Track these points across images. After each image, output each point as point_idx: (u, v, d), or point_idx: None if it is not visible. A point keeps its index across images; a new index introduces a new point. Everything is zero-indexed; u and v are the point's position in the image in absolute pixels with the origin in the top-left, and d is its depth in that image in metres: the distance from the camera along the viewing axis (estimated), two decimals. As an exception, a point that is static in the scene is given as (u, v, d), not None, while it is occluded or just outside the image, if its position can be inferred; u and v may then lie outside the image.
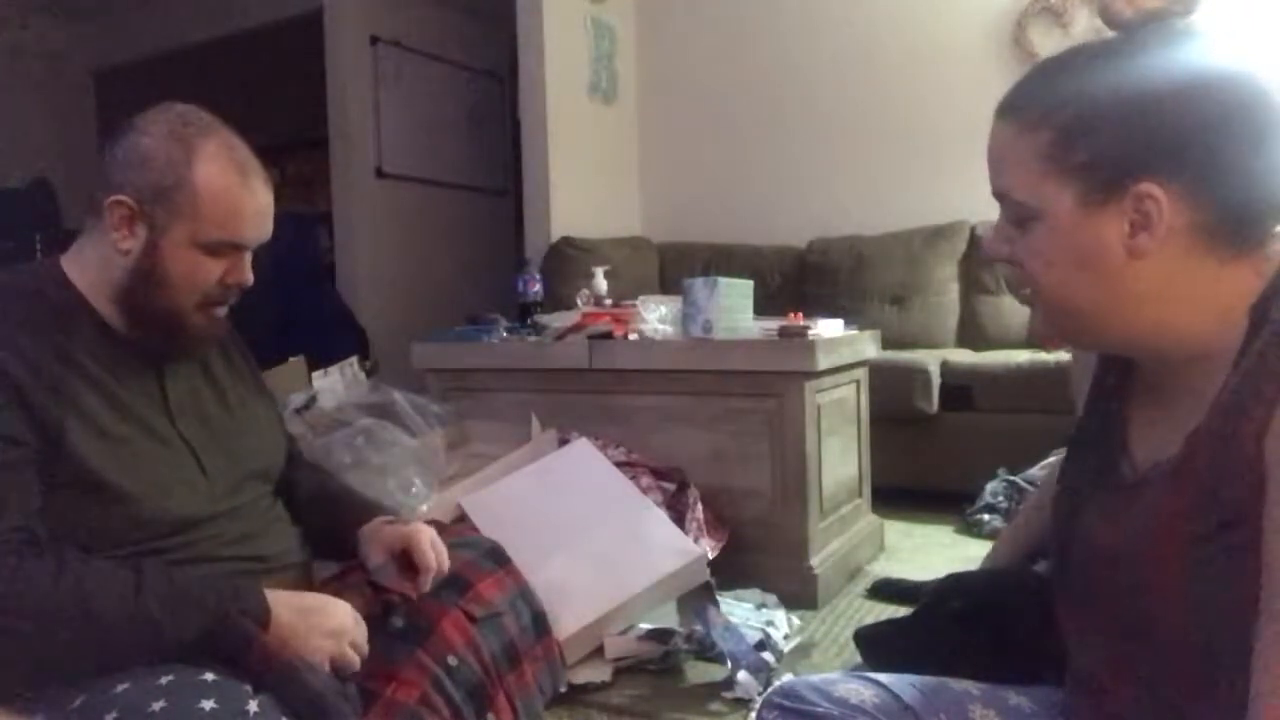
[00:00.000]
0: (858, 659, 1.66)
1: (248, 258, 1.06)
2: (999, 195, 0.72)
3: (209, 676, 0.89)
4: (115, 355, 1.03)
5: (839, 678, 0.84)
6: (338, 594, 1.08)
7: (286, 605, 0.98)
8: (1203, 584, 0.59)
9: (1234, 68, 0.65)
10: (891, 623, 1.56)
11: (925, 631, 1.18)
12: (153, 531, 0.99)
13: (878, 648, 1.43)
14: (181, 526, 1.02)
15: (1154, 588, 0.66)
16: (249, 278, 1.06)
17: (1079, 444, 0.82)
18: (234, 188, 1.02)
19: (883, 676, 0.84)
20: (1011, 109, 0.71)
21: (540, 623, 1.24)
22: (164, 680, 0.87)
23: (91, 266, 1.04)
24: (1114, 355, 0.79)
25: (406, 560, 1.16)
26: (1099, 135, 0.66)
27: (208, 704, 0.85)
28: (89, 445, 0.95)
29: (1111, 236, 0.66)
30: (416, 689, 1.05)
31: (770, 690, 0.85)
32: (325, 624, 0.99)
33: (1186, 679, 0.66)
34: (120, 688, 0.86)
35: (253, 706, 0.86)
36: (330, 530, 1.24)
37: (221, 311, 1.08)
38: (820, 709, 0.78)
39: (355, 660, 1.01)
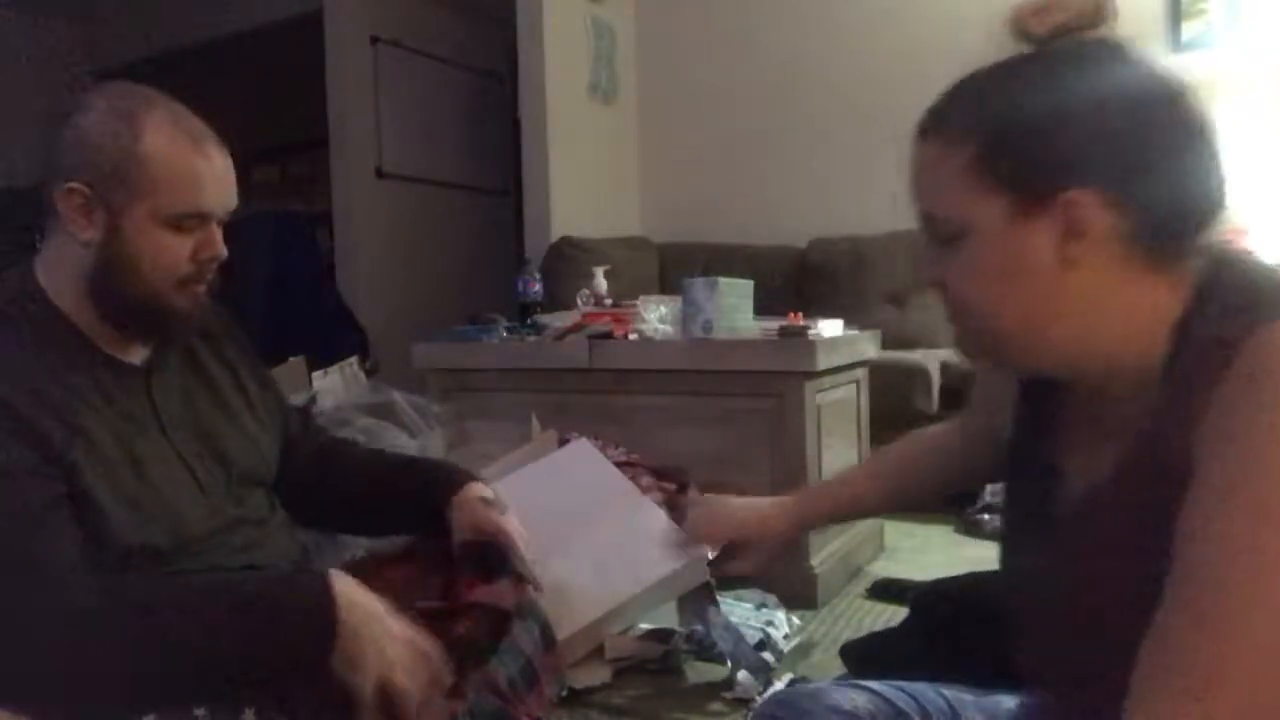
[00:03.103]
0: (857, 659, 1.66)
1: (216, 229, 1.01)
2: (924, 217, 0.71)
3: None
4: (101, 372, 0.99)
5: (833, 686, 0.84)
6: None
7: (361, 610, 0.90)
8: (1136, 621, 0.58)
9: (1156, 77, 0.66)
10: (877, 635, 1.57)
11: (910, 642, 1.18)
12: (153, 556, 0.95)
13: (864, 661, 1.44)
14: (182, 549, 0.98)
15: (1109, 616, 0.66)
16: (222, 250, 1.01)
17: (1015, 475, 0.81)
18: (187, 154, 0.96)
19: (876, 684, 0.84)
20: (932, 127, 0.72)
21: (547, 633, 1.23)
22: None
23: (59, 269, 0.99)
24: (1033, 380, 0.79)
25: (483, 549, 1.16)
26: (1025, 145, 0.66)
27: (199, 712, 0.85)
28: (96, 474, 0.91)
29: (1042, 247, 0.65)
30: None
31: (763, 700, 0.86)
32: (396, 645, 0.91)
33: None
34: None
35: (249, 716, 0.86)
36: (403, 498, 1.23)
37: (201, 289, 1.02)
38: (814, 717, 0.79)
39: (405, 699, 0.91)
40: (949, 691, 0.85)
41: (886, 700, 0.81)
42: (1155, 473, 0.61)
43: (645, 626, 1.75)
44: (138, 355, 1.04)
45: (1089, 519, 0.68)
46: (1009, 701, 0.85)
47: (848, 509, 1.13)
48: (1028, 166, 0.65)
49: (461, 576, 1.19)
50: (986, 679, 0.87)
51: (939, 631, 1.24)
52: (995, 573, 1.23)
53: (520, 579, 1.18)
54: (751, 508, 1.13)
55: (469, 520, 1.20)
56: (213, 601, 0.88)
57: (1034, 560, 0.74)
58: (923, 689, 0.84)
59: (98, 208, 0.95)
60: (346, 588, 0.90)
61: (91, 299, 0.98)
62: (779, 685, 1.57)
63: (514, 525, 1.21)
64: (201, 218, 0.99)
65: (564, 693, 1.59)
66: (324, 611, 0.87)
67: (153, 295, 0.98)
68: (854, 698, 0.81)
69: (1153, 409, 0.64)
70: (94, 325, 1.00)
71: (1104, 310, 0.66)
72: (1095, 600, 0.66)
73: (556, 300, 3.11)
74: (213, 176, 0.99)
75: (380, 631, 0.89)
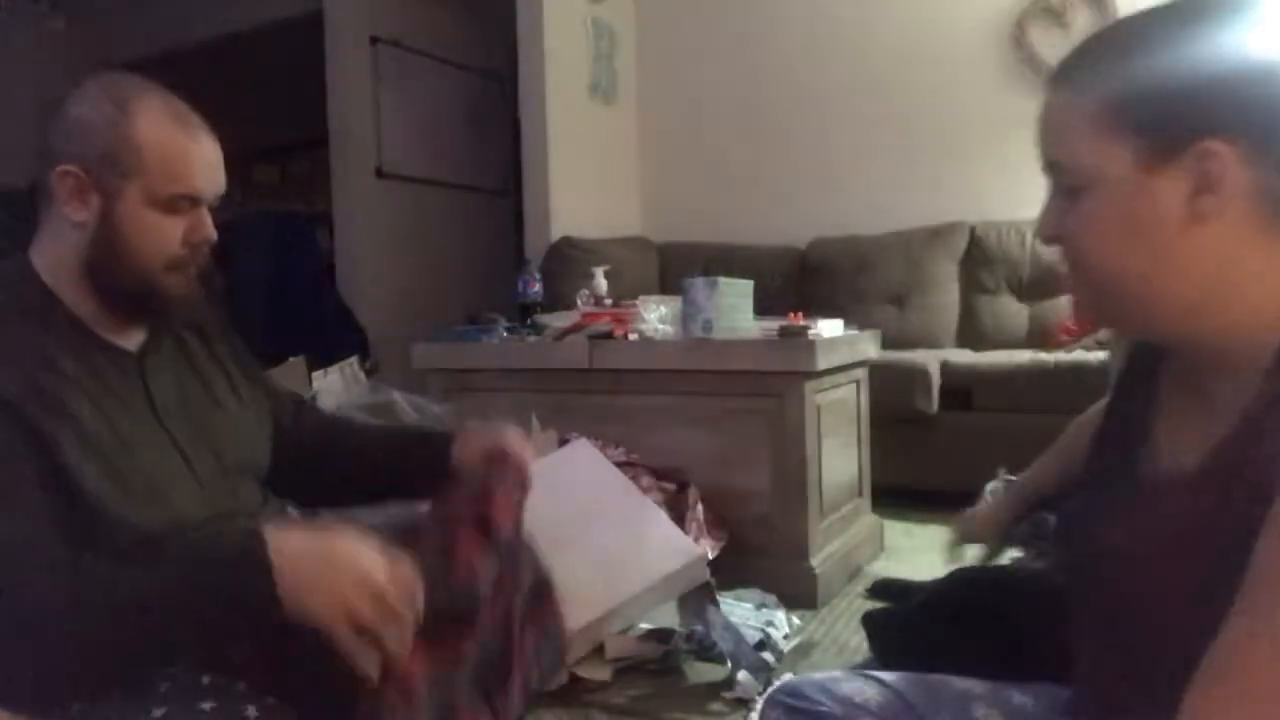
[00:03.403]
0: (858, 659, 1.67)
1: (206, 213, 1.04)
2: (1050, 167, 0.69)
3: (205, 680, 0.89)
4: (95, 355, 1.00)
5: (843, 676, 0.83)
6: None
7: (296, 553, 0.85)
8: (1215, 598, 0.57)
9: None
10: (896, 613, 1.57)
11: (926, 624, 1.19)
12: (146, 544, 0.94)
13: (881, 634, 1.45)
14: (177, 536, 0.98)
15: (1164, 596, 0.65)
16: (212, 233, 1.04)
17: (1103, 440, 0.79)
18: (178, 137, 1.00)
19: (886, 675, 0.83)
20: (1066, 75, 0.68)
21: (541, 582, 1.19)
22: (163, 688, 0.87)
23: (53, 253, 1.01)
24: (1143, 352, 0.77)
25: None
26: (1161, 93, 0.63)
27: (205, 706, 0.85)
28: (80, 458, 0.92)
29: (1171, 200, 0.63)
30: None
31: (774, 688, 0.85)
32: (343, 575, 0.85)
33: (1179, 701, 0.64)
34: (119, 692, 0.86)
35: (251, 712, 0.86)
36: (408, 463, 1.25)
37: (193, 273, 1.05)
38: (824, 707, 0.78)
39: (387, 619, 0.85)
40: (960, 684, 0.84)
41: (897, 693, 0.81)
42: (1248, 465, 0.59)
43: (645, 626, 1.75)
44: (133, 341, 1.06)
45: (1170, 502, 0.66)
46: (1019, 696, 0.85)
47: (1043, 491, 1.15)
48: (1163, 113, 0.63)
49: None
50: (995, 669, 0.87)
51: (952, 618, 1.24)
52: (1013, 571, 1.23)
53: (506, 494, 1.15)
54: (998, 507, 1.21)
55: (473, 446, 1.22)
56: (147, 562, 0.88)
57: (1104, 535, 0.72)
58: (934, 681, 0.84)
59: (91, 190, 0.98)
60: (280, 533, 0.87)
61: (86, 281, 1.00)
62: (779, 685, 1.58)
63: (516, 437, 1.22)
64: (192, 200, 1.01)
65: (563, 676, 1.59)
66: (253, 556, 0.84)
67: (145, 277, 1.00)
68: (864, 689, 0.80)
69: (1258, 397, 0.61)
70: (89, 309, 1.01)
71: (1227, 275, 0.64)
72: (1160, 584, 0.65)
73: (556, 300, 3.11)
74: (202, 159, 1.02)
75: (327, 567, 0.85)
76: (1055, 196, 0.69)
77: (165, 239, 1.00)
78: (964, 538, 1.24)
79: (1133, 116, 0.64)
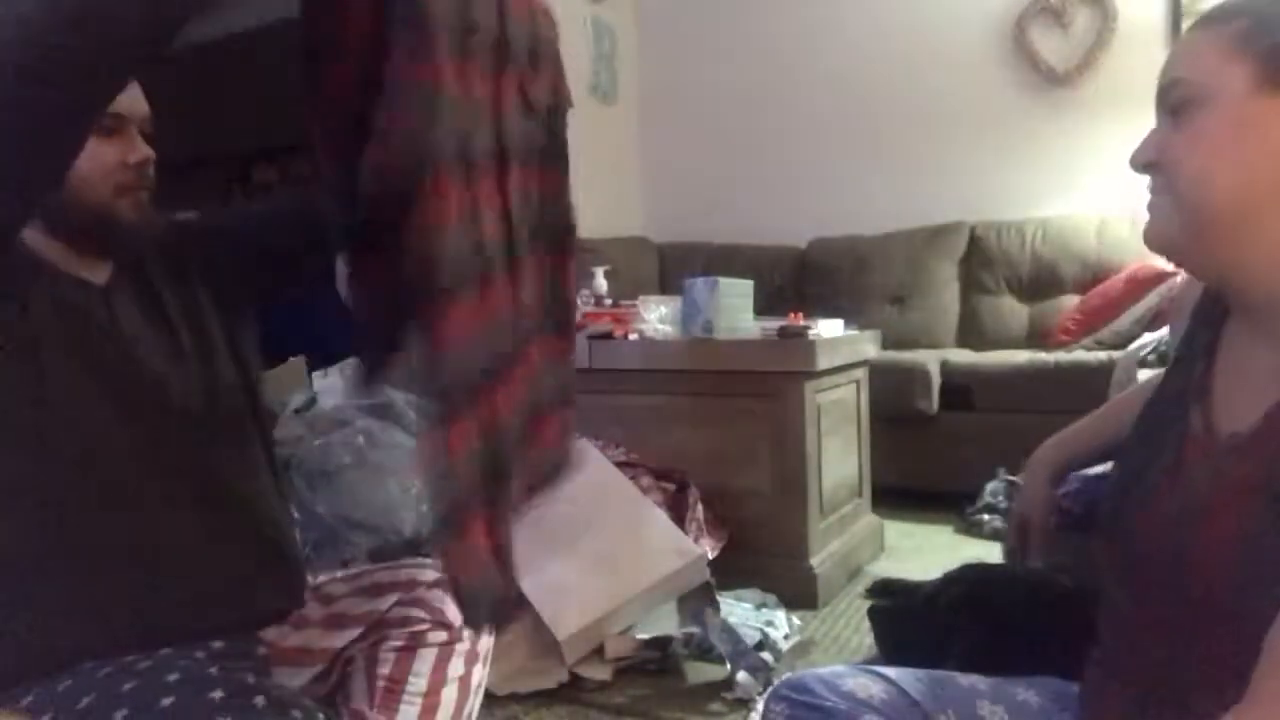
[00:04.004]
0: (857, 658, 1.67)
1: (138, 134, 1.08)
2: (1164, 90, 0.71)
3: (214, 670, 0.90)
4: (64, 291, 1.04)
5: (847, 671, 0.83)
6: None
7: None
8: (1253, 563, 0.57)
9: None
10: (902, 606, 1.58)
11: (931, 618, 1.19)
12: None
13: (886, 627, 1.46)
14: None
15: (1201, 557, 0.65)
16: (147, 151, 1.08)
17: (1159, 401, 0.80)
18: None
19: (890, 671, 0.83)
20: (1207, 16, 0.72)
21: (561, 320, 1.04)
22: (171, 679, 0.88)
23: None
24: (1206, 318, 0.77)
25: None
26: None
27: (216, 694, 0.85)
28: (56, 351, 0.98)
29: (1277, 125, 0.65)
30: None
31: (778, 682, 0.85)
32: None
33: (1221, 657, 0.63)
34: (128, 686, 0.87)
35: (260, 701, 0.87)
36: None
37: (144, 196, 1.09)
38: (828, 703, 0.78)
39: None
40: (965, 680, 0.84)
41: (901, 689, 0.80)
42: None
43: (643, 637, 1.74)
44: (100, 275, 1.09)
45: (1222, 464, 0.66)
46: (1024, 691, 0.85)
47: (1083, 456, 1.10)
48: None
49: None
50: (990, 663, 0.87)
51: (948, 611, 1.25)
52: (1011, 570, 1.23)
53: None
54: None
55: None
56: None
57: (1154, 495, 0.72)
58: (939, 678, 0.84)
59: None
60: None
61: (42, 220, 1.03)
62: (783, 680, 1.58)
63: None
64: (118, 118, 1.05)
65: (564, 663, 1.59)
66: None
67: (96, 204, 1.04)
68: (868, 686, 0.80)
69: None
70: (57, 251, 1.05)
71: None
72: (1209, 545, 0.65)
73: (556, 300, 3.10)
74: None
75: None
76: (1162, 119, 0.71)
77: (105, 162, 1.04)
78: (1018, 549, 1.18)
79: (1257, 41, 0.66)
